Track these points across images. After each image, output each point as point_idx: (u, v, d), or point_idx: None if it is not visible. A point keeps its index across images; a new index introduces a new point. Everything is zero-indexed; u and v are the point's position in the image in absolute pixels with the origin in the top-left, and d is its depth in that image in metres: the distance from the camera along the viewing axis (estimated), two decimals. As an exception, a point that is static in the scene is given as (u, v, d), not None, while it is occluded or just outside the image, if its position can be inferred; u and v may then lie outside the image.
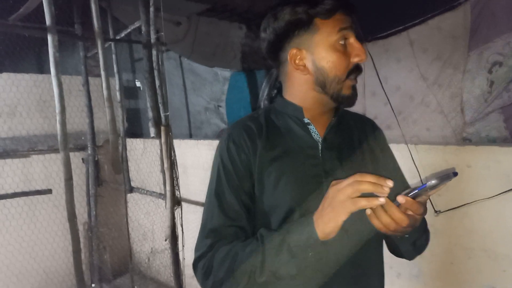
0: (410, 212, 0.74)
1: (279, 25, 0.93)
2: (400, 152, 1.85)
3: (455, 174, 0.69)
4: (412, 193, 0.73)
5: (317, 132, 0.97)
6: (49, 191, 2.95)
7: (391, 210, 0.73)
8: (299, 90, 0.97)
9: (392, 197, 0.74)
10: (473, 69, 2.65)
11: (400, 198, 0.72)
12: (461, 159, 1.72)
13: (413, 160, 1.80)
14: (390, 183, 0.70)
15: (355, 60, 0.90)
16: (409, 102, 2.97)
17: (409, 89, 3.00)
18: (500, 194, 1.57)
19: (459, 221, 1.73)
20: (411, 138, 2.01)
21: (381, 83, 1.84)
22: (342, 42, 0.90)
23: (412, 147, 1.84)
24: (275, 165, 0.92)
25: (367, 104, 3.04)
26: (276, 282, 0.83)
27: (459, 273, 1.75)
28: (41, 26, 2.37)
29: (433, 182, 0.70)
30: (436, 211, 1.75)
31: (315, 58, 0.92)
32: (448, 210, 1.73)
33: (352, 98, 0.93)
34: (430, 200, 1.75)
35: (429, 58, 2.90)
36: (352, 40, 0.91)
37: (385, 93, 1.85)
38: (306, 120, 0.97)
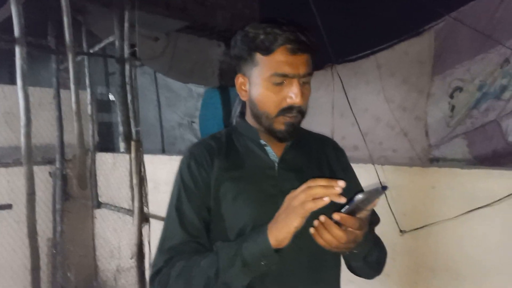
0: (350, 229, 0.76)
1: (233, 51, 0.96)
2: (367, 172, 1.88)
3: (384, 188, 0.71)
4: (345, 209, 0.75)
5: (274, 153, 0.99)
6: (8, 206, 2.83)
7: (329, 227, 0.76)
8: (251, 114, 0.99)
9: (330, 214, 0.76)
10: (437, 93, 2.77)
11: (335, 215, 0.75)
12: (426, 180, 1.76)
13: (379, 180, 1.83)
14: (341, 183, 0.71)
15: (287, 101, 0.90)
16: (376, 124, 3.05)
17: (376, 111, 3.09)
18: (462, 214, 1.60)
19: (423, 241, 1.75)
20: (378, 158, 2.06)
21: (349, 105, 1.88)
22: (278, 81, 0.88)
23: (379, 167, 1.87)
24: (232, 184, 0.94)
25: (335, 125, 3.11)
26: None
27: (423, 293, 1.77)
28: (10, 37, 2.32)
29: (360, 196, 0.72)
30: (401, 231, 1.77)
31: (251, 88, 0.94)
32: (413, 230, 1.75)
33: (284, 133, 0.93)
34: (395, 219, 1.77)
35: (396, 82, 3.01)
36: (292, 81, 0.88)
37: (353, 114, 1.89)
38: (262, 142, 0.99)
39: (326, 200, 0.71)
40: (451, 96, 2.69)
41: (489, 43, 2.62)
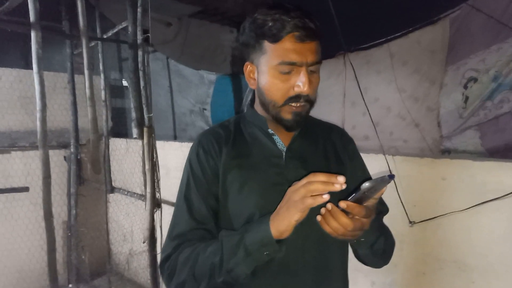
0: (356, 217, 0.77)
1: (241, 38, 0.96)
2: (377, 162, 1.89)
3: (391, 177, 0.70)
4: (351, 197, 0.76)
5: (281, 142, 1.00)
6: (25, 189, 2.89)
7: (336, 215, 0.76)
8: (260, 102, 0.99)
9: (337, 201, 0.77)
10: (450, 84, 2.72)
11: (341, 203, 0.75)
12: (436, 172, 1.75)
13: (390, 170, 1.83)
14: (341, 179, 0.71)
15: (295, 89, 0.89)
16: (386, 114, 3.02)
17: (387, 101, 3.05)
18: (472, 207, 1.60)
19: (432, 233, 1.75)
20: (389, 149, 2.05)
21: (361, 94, 1.87)
22: (285, 70, 0.88)
23: (390, 158, 1.87)
24: (239, 172, 0.95)
25: (346, 114, 3.08)
26: (234, 284, 0.85)
27: (430, 283, 1.78)
28: (26, 21, 2.34)
29: (367, 185, 0.72)
30: (410, 222, 1.77)
31: (259, 77, 0.94)
32: (422, 221, 1.75)
33: (291, 122, 0.93)
34: (405, 210, 1.78)
35: (408, 71, 2.96)
36: (299, 70, 0.87)
37: (365, 103, 1.88)
38: (270, 131, 1.00)
39: (326, 197, 0.72)
40: (465, 87, 2.64)
41: (504, 33, 2.56)
